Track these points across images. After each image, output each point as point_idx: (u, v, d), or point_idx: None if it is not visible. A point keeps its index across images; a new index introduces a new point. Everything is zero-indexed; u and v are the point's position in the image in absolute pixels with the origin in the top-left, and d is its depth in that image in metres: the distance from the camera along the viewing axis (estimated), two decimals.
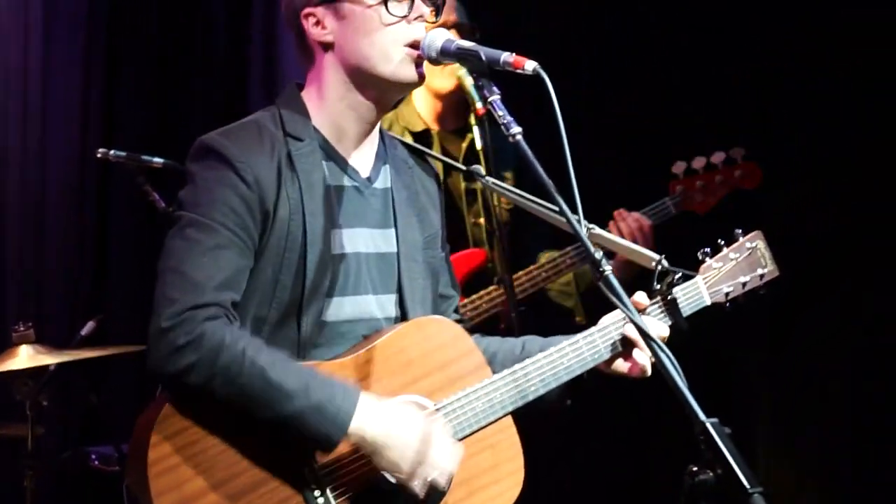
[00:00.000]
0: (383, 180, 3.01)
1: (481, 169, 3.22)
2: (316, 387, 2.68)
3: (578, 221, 2.62)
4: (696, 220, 4.87)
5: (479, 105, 4.32)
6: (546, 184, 2.65)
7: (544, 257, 4.81)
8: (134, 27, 5.46)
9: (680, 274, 3.09)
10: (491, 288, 4.70)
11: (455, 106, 4.74)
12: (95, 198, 5.37)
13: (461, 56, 2.81)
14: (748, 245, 3.27)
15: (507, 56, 2.72)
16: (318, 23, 2.90)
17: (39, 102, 5.18)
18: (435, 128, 4.78)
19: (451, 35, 2.87)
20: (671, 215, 4.87)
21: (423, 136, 4.71)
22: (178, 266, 2.71)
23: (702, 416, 2.33)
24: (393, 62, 2.87)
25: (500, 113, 2.70)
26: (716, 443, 2.31)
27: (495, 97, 2.72)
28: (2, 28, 5.02)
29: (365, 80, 2.89)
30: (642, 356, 3.00)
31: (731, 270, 3.22)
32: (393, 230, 2.99)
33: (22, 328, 4.31)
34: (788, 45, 5.58)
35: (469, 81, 4.33)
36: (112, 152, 4.40)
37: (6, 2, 5.04)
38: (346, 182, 2.93)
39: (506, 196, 3.27)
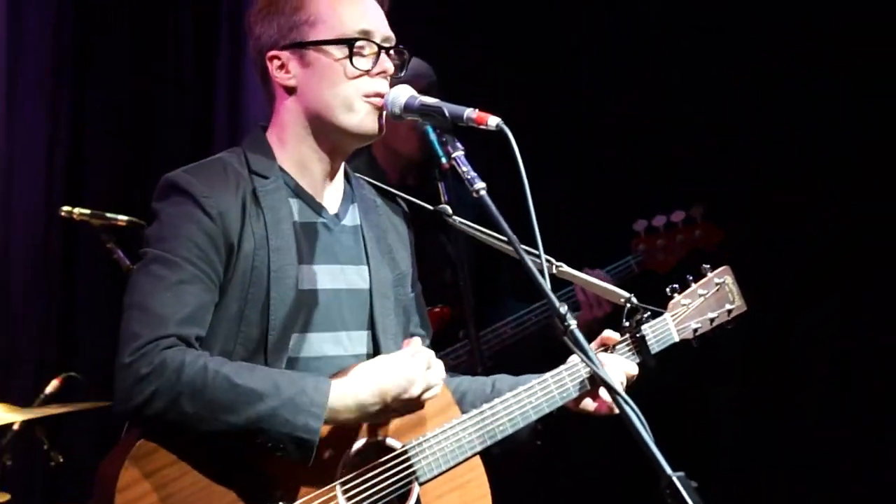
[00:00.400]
0: (352, 218, 3.04)
1: (448, 209, 3.25)
2: (285, 384, 2.70)
3: (542, 274, 2.65)
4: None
5: (443, 160, 4.36)
6: (511, 238, 2.69)
7: (508, 308, 4.83)
8: (99, 84, 5.46)
9: (649, 312, 3.13)
10: (457, 345, 4.70)
11: (417, 163, 4.75)
12: (60, 256, 5.35)
13: (424, 112, 2.85)
14: (716, 281, 3.31)
15: (470, 112, 2.77)
16: (282, 66, 2.94)
17: (4, 160, 5.16)
18: (394, 182, 4.78)
19: (414, 91, 2.90)
20: (633, 274, 4.91)
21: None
22: (142, 302, 2.73)
23: (668, 470, 2.35)
24: (354, 113, 2.91)
25: (465, 169, 2.74)
26: (683, 498, 2.32)
27: (459, 153, 2.76)
28: None
29: (325, 128, 2.93)
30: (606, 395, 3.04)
31: (699, 307, 3.27)
32: (365, 267, 3.01)
33: None
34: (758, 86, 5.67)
35: (434, 137, 4.36)
36: (77, 210, 4.40)
37: None
38: (315, 219, 2.95)
39: (475, 236, 3.28)
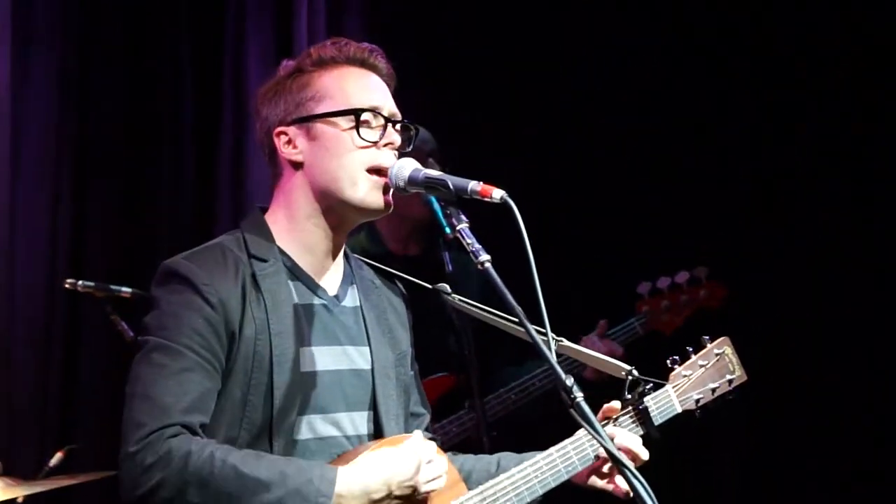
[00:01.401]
0: (352, 299, 3.04)
1: (447, 287, 3.26)
2: (292, 473, 2.69)
3: (548, 347, 2.64)
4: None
5: (447, 230, 4.37)
6: (515, 310, 2.68)
7: (509, 373, 4.83)
8: (102, 160, 5.48)
9: (651, 384, 3.13)
10: (461, 412, 4.69)
11: (421, 231, 4.76)
12: (63, 328, 5.34)
13: (429, 185, 2.86)
14: (716, 352, 3.32)
15: (474, 185, 2.78)
16: (289, 142, 2.96)
17: (7, 235, 5.17)
18: (397, 254, 4.80)
19: (419, 164, 2.92)
20: (638, 336, 4.93)
21: (384, 261, 4.71)
22: (145, 391, 2.73)
23: None
24: (359, 187, 2.92)
25: (469, 241, 2.75)
26: None
27: (464, 225, 2.77)
28: None
29: (331, 203, 2.94)
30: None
31: (700, 377, 3.28)
32: (367, 347, 3.01)
33: None
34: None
35: (437, 206, 4.37)
36: (80, 283, 4.42)
37: None
38: (315, 301, 2.95)
39: (473, 314, 3.29)
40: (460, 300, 3.24)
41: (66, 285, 4.46)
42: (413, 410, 3.15)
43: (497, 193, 2.74)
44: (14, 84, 5.15)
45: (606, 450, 2.55)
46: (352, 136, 2.92)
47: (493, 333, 4.70)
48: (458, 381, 4.75)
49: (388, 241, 4.81)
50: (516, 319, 3.02)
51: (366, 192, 2.93)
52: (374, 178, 2.93)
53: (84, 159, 5.44)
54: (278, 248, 2.95)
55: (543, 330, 2.65)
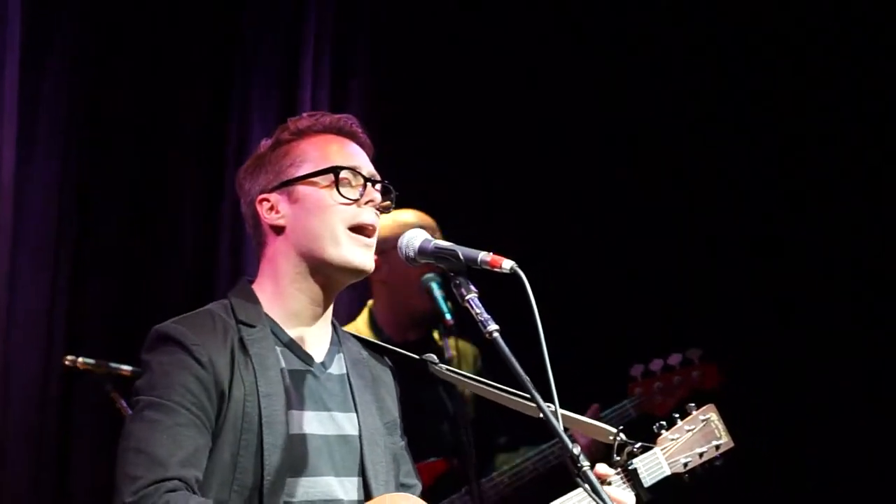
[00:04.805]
0: (338, 367, 3.06)
1: (434, 357, 3.26)
2: None
3: (556, 418, 2.69)
4: None
5: (448, 317, 4.42)
6: (524, 380, 2.72)
7: (502, 459, 4.83)
8: (100, 235, 5.52)
9: (639, 445, 3.16)
10: (454, 497, 4.67)
11: (422, 319, 4.79)
12: (57, 407, 5.34)
13: (439, 255, 2.89)
14: (701, 418, 3.35)
15: (484, 255, 2.82)
16: (272, 208, 3.01)
17: (4, 314, 5.18)
18: (396, 339, 4.78)
19: (429, 235, 2.95)
20: (631, 418, 4.92)
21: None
22: (139, 445, 2.73)
23: None
24: (342, 246, 2.96)
25: (478, 310, 2.78)
26: None
27: (472, 295, 2.80)
28: None
29: (315, 263, 2.98)
30: None
31: (687, 441, 3.30)
32: (354, 413, 3.02)
33: None
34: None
35: (438, 293, 4.43)
36: (80, 359, 4.42)
37: None
38: (301, 367, 2.97)
39: (462, 384, 3.31)
40: (448, 370, 3.24)
41: (66, 362, 4.46)
42: (404, 481, 3.15)
43: (507, 264, 2.78)
44: (19, 157, 5.21)
45: None
46: (332, 194, 2.97)
47: (487, 419, 4.78)
48: (451, 465, 4.74)
49: (386, 327, 4.83)
50: (505, 389, 3.13)
51: (348, 250, 2.97)
52: (356, 236, 2.98)
53: (84, 233, 5.49)
54: (265, 314, 2.98)
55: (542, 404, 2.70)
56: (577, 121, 6.09)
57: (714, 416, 3.37)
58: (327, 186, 2.97)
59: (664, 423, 3.30)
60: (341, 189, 2.97)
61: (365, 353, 3.18)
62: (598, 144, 6.08)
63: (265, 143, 3.10)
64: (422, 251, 2.93)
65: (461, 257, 2.83)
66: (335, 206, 2.97)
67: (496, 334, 2.75)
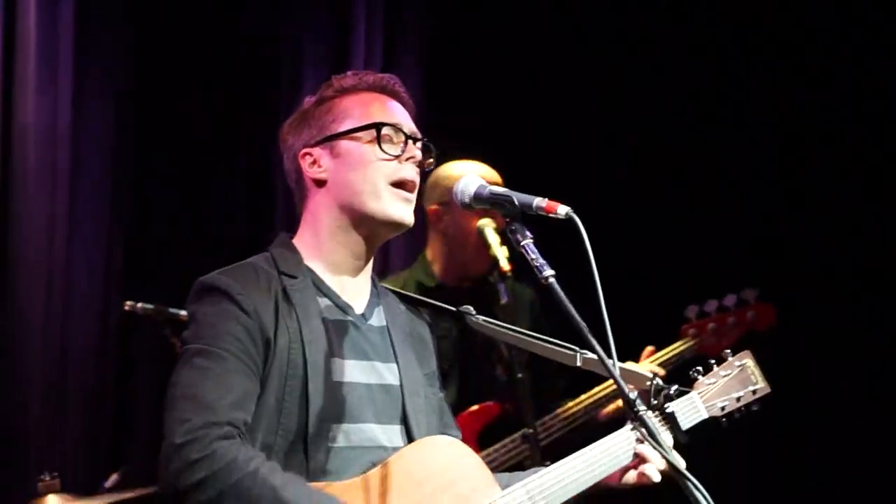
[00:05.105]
0: (378, 318, 3.10)
1: (471, 309, 3.29)
2: None
3: (613, 363, 2.71)
4: None
5: (503, 263, 4.42)
6: (580, 326, 2.73)
7: (563, 404, 4.83)
8: (156, 182, 5.58)
9: (675, 388, 3.18)
10: (506, 441, 4.68)
11: (476, 268, 4.79)
12: (117, 349, 5.42)
13: (494, 201, 2.90)
14: (737, 363, 3.39)
15: (539, 201, 2.82)
16: (314, 162, 3.04)
17: (63, 262, 5.25)
18: (450, 284, 4.83)
19: (483, 181, 2.96)
20: (685, 360, 4.90)
21: (437, 292, 4.71)
22: (188, 391, 2.77)
23: None
24: (382, 200, 2.99)
25: (533, 256, 2.79)
26: None
27: (528, 241, 2.81)
28: (28, 184, 5.12)
29: (356, 217, 3.01)
30: (652, 469, 3.03)
31: (724, 386, 3.34)
32: (395, 364, 3.06)
33: (48, 478, 4.32)
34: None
35: (494, 239, 4.43)
36: (140, 304, 4.48)
37: (34, 161, 5.15)
38: (342, 317, 3.01)
39: (499, 335, 3.32)
40: (485, 320, 3.28)
41: (126, 307, 4.51)
42: (444, 431, 3.17)
43: (562, 209, 2.79)
44: (74, 107, 5.28)
45: (668, 461, 2.62)
46: (373, 149, 3.00)
47: (544, 362, 4.79)
48: (504, 409, 4.75)
49: (441, 275, 4.83)
50: (542, 338, 3.18)
51: (388, 204, 3.00)
52: (397, 190, 3.00)
53: (140, 181, 5.56)
54: (306, 266, 3.02)
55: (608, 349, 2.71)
56: (624, 82, 6.06)
57: (750, 362, 3.41)
58: (369, 142, 3.00)
59: (700, 368, 3.33)
60: (383, 145, 3.00)
61: (402, 307, 3.22)
62: (644, 93, 6.06)
63: (309, 100, 3.13)
64: (477, 197, 2.94)
65: (516, 202, 2.84)
66: (376, 162, 3.00)
67: (552, 280, 2.76)
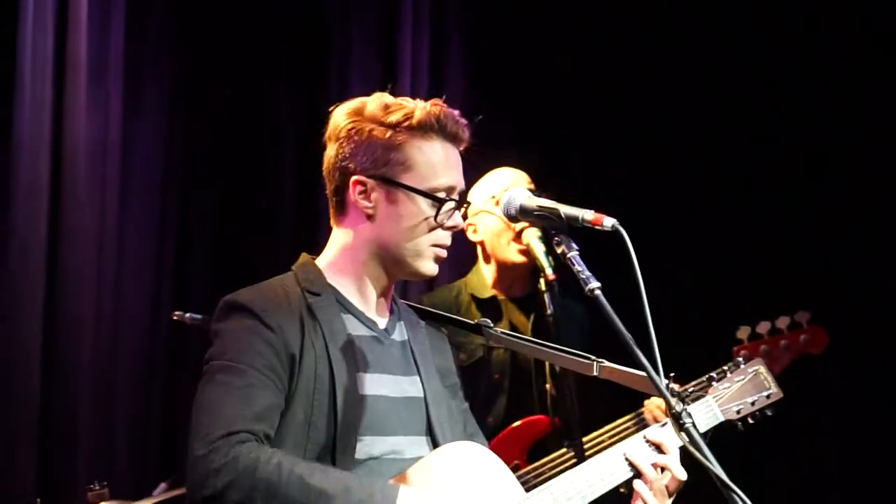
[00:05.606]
0: (400, 334, 3.14)
1: (489, 322, 3.31)
2: (355, 487, 2.76)
3: (660, 377, 2.71)
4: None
5: (548, 271, 4.41)
6: (626, 338, 2.72)
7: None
8: (205, 190, 5.62)
9: (691, 389, 3.19)
10: (555, 454, 4.65)
11: (523, 275, 4.79)
12: (165, 359, 5.45)
13: (541, 214, 2.90)
14: (750, 370, 3.55)
15: (586, 213, 2.82)
16: (365, 193, 3.03)
17: (114, 267, 5.30)
18: (502, 296, 4.84)
19: (531, 193, 2.96)
20: None
21: (490, 303, 4.79)
22: (211, 406, 2.81)
23: None
24: (422, 259, 3.04)
25: (579, 268, 2.79)
26: None
27: (574, 253, 2.81)
28: (79, 197, 5.16)
29: (391, 260, 3.05)
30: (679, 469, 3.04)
31: (738, 391, 3.48)
32: (417, 377, 3.09)
33: (97, 487, 4.35)
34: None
35: (539, 249, 4.42)
36: (188, 315, 4.50)
37: (84, 175, 5.19)
38: (366, 332, 3.04)
39: (519, 347, 3.34)
40: (503, 333, 3.30)
41: (174, 317, 4.53)
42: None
43: (608, 222, 2.78)
44: (125, 114, 5.32)
45: (713, 473, 2.61)
46: (430, 214, 3.02)
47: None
48: (553, 424, 4.72)
49: (493, 284, 4.83)
50: (562, 349, 3.20)
51: (426, 264, 3.05)
52: (437, 250, 3.06)
53: (189, 189, 5.61)
54: (329, 283, 3.05)
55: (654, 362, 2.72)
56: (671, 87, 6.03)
57: (762, 368, 3.57)
58: (426, 208, 3.02)
59: (714, 374, 3.48)
60: (440, 217, 3.02)
61: (422, 323, 3.26)
62: (693, 106, 6.04)
63: (386, 108, 3.06)
64: (523, 210, 2.94)
65: (563, 216, 2.84)
66: (427, 229, 3.03)
67: (598, 292, 2.75)
